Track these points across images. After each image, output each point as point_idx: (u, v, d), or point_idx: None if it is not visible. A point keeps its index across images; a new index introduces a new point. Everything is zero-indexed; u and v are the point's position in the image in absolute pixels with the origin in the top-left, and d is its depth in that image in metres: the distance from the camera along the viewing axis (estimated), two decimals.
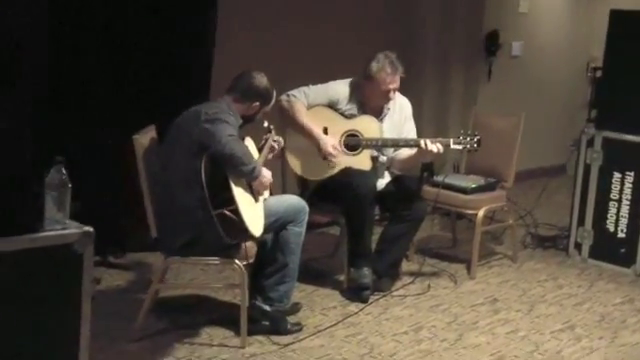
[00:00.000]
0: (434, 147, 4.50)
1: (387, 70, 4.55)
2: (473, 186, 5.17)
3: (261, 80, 4.00)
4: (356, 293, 4.61)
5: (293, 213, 4.08)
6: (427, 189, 5.21)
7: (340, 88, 4.71)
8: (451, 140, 4.64)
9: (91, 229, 2.60)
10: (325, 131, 4.65)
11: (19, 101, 2.43)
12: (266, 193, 4.05)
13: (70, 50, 4.58)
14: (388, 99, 4.66)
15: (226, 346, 3.91)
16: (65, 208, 2.61)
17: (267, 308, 4.06)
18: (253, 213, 3.83)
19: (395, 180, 4.84)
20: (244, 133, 4.03)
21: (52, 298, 2.56)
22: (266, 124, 4.24)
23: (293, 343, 3.99)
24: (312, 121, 4.62)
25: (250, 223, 3.72)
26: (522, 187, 6.71)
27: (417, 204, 4.76)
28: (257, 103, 4.00)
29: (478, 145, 4.65)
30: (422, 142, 4.52)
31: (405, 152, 4.74)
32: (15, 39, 2.36)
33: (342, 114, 4.68)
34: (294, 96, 4.62)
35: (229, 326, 4.08)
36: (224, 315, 4.22)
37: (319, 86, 4.69)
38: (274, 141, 4.28)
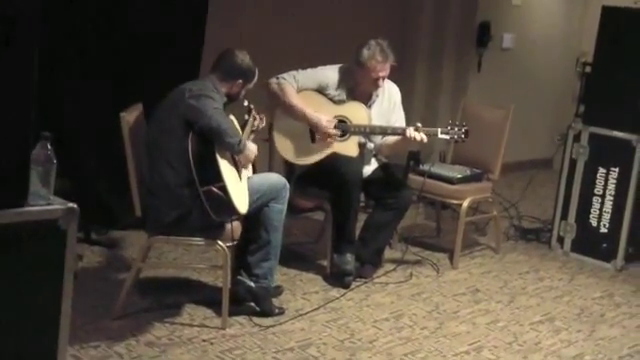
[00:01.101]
0: (418, 136, 4.51)
1: (378, 57, 4.55)
2: (459, 176, 5.19)
3: (243, 58, 4.01)
4: (338, 279, 4.62)
5: (275, 191, 4.10)
6: (413, 178, 5.23)
7: (330, 73, 4.70)
8: (439, 130, 4.65)
9: (75, 205, 2.59)
10: None
11: (17, 75, 2.42)
12: (250, 171, 4.06)
13: (62, 28, 4.57)
14: (377, 86, 4.66)
15: (207, 327, 3.93)
16: (50, 184, 2.60)
17: (252, 284, 4.08)
18: (238, 190, 3.85)
19: (381, 168, 4.85)
20: (226, 112, 4.03)
21: (34, 273, 2.56)
22: (246, 103, 4.24)
23: (274, 326, 4.01)
24: (303, 102, 4.62)
25: (237, 200, 3.74)
26: (508, 179, 6.74)
27: (402, 192, 4.78)
28: (240, 81, 4.01)
29: (466, 136, 4.66)
30: (407, 131, 4.53)
31: (392, 138, 4.74)
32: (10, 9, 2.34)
33: (331, 99, 4.68)
34: (284, 79, 4.62)
35: (211, 307, 4.09)
36: (206, 296, 4.23)
37: (309, 70, 4.69)
38: (254, 119, 4.27)
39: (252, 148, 3.96)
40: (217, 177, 3.69)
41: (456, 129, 4.65)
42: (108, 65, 4.85)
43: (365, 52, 4.56)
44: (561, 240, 5.62)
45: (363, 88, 4.69)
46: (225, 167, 3.77)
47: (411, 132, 4.52)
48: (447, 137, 4.68)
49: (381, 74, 4.59)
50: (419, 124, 4.59)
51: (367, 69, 4.57)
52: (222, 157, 3.78)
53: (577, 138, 5.49)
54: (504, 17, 7.63)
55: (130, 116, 3.90)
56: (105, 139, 4.53)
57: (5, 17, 2.34)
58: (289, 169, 4.81)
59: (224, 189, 3.68)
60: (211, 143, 3.74)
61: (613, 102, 5.33)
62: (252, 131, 4.25)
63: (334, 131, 4.60)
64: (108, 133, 4.18)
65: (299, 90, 4.64)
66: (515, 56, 7.83)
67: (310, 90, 4.67)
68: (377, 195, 4.81)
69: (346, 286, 4.58)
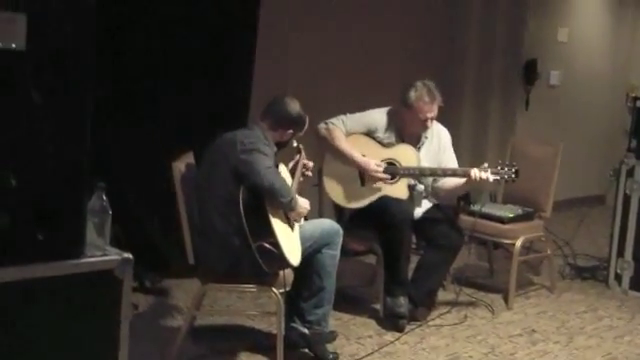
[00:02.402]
0: (484, 175, 4.48)
1: (425, 99, 4.56)
2: (510, 215, 5.14)
3: (294, 107, 4.00)
4: (392, 322, 4.58)
5: (328, 237, 4.09)
6: (464, 218, 5.19)
7: (378, 116, 4.72)
8: (489, 171, 4.60)
9: (130, 256, 2.61)
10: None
11: (73, 126, 2.46)
12: (302, 219, 4.06)
13: (109, 70, 4.66)
14: (426, 127, 4.66)
15: None
16: (105, 234, 2.64)
17: (305, 331, 4.05)
18: (290, 242, 3.84)
19: (432, 209, 4.82)
20: (277, 158, 4.04)
21: (91, 323, 2.58)
22: (295, 144, 4.23)
23: None
24: (351, 147, 4.63)
25: (289, 254, 3.73)
26: (560, 217, 6.64)
27: (454, 233, 4.74)
28: (290, 130, 4.02)
29: (516, 176, 4.60)
30: (473, 172, 4.48)
31: (451, 181, 4.70)
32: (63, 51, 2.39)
33: (380, 142, 4.69)
34: (332, 124, 4.65)
35: (265, 353, 4.07)
36: (260, 343, 4.22)
37: (357, 114, 4.71)
38: (304, 159, 4.27)
39: (304, 204, 3.95)
40: (269, 232, 3.68)
41: (506, 169, 4.60)
42: (156, 110, 4.91)
43: (412, 94, 4.57)
44: (619, 278, 5.51)
45: (411, 130, 4.69)
46: (276, 220, 3.77)
47: (476, 173, 4.48)
48: (497, 177, 4.61)
49: (429, 115, 4.59)
50: (486, 164, 4.57)
51: (415, 110, 4.57)
52: (273, 211, 3.77)
53: (630, 173, 5.42)
54: (550, 54, 7.60)
55: (181, 165, 3.94)
56: (155, 186, 4.57)
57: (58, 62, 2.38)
58: (339, 213, 4.81)
59: (276, 244, 3.68)
60: (262, 198, 3.75)
61: None
62: (303, 174, 4.26)
63: (383, 175, 4.60)
64: (158, 180, 4.22)
65: (347, 134, 4.66)
66: (563, 93, 7.79)
67: (359, 134, 4.69)
68: (428, 236, 4.78)
69: (400, 329, 4.54)
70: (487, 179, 4.49)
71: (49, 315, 2.48)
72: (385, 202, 4.60)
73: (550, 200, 5.27)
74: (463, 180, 4.58)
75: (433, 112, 4.61)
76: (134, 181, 4.90)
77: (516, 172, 4.59)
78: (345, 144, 4.63)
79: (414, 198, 4.73)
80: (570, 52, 7.86)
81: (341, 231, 4.16)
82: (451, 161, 4.79)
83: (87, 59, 2.46)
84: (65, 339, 2.52)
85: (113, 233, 2.78)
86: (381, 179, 4.60)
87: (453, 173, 4.63)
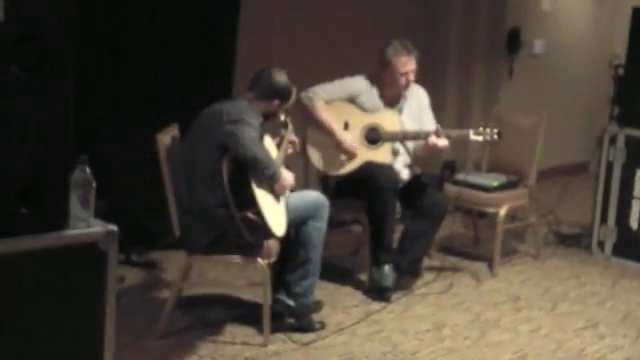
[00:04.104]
0: (439, 142, 4.53)
1: (402, 52, 4.61)
2: (495, 184, 5.16)
3: (280, 78, 4.00)
4: (377, 294, 4.61)
5: (314, 208, 4.10)
6: (448, 187, 5.21)
7: (358, 82, 4.75)
8: (471, 131, 4.66)
9: (115, 227, 2.61)
10: (346, 125, 4.68)
11: (55, 100, 2.45)
12: (287, 192, 4.06)
13: (96, 48, 4.63)
14: (407, 84, 4.67)
15: (249, 344, 3.93)
16: (89, 206, 2.63)
17: (291, 303, 4.08)
18: (275, 213, 3.85)
19: (416, 178, 4.85)
20: (263, 130, 4.04)
21: (77, 296, 2.58)
22: (282, 118, 4.23)
23: (315, 341, 4.01)
24: (332, 116, 4.66)
25: (273, 224, 3.74)
26: (544, 185, 6.68)
27: (438, 201, 4.76)
28: (277, 101, 4.01)
29: (498, 137, 4.64)
30: (430, 139, 4.55)
31: (420, 147, 4.75)
32: (39, 32, 2.37)
33: (362, 108, 4.71)
34: (314, 92, 4.66)
35: (252, 324, 4.10)
36: (247, 313, 4.24)
37: (337, 82, 4.73)
38: (292, 134, 4.27)
39: (288, 177, 3.96)
40: (252, 202, 3.69)
41: (488, 130, 4.65)
42: (140, 84, 4.89)
43: (389, 50, 4.62)
44: (601, 244, 5.56)
45: (392, 89, 4.72)
46: (261, 191, 3.78)
47: (432, 139, 4.53)
48: (479, 138, 4.66)
49: (408, 67, 4.62)
50: (438, 125, 4.63)
51: (393, 67, 4.61)
52: (258, 182, 3.78)
53: (613, 141, 5.44)
54: (534, 23, 7.60)
55: (166, 137, 3.94)
56: (141, 160, 4.56)
57: (36, 35, 2.36)
58: (325, 181, 4.83)
59: (260, 214, 3.69)
60: (246, 169, 3.76)
61: None
62: (290, 147, 4.25)
63: (353, 152, 4.64)
64: (144, 154, 4.21)
65: (330, 101, 4.68)
66: (546, 61, 7.79)
67: (341, 101, 4.70)
68: (413, 205, 4.79)
69: (386, 300, 4.57)
70: (444, 147, 4.56)
71: (33, 289, 2.48)
72: (370, 168, 4.63)
73: (534, 168, 5.30)
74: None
75: (412, 65, 4.65)
76: (119, 155, 4.88)
77: (498, 133, 4.64)
78: (326, 114, 4.65)
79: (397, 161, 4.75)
80: (554, 21, 7.85)
81: (327, 203, 4.17)
82: (429, 121, 4.82)
83: (67, 34, 2.44)
84: (50, 312, 2.53)
85: (99, 208, 2.78)
86: (353, 157, 4.63)
87: (425, 137, 4.65)
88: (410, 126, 4.71)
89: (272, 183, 3.86)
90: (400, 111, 4.75)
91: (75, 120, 2.54)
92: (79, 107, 2.66)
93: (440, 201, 4.78)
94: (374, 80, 4.74)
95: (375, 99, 4.72)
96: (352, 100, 4.72)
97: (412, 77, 4.68)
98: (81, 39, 4.36)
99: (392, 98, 4.75)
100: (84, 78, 4.47)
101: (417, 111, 4.81)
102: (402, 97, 4.77)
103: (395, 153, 4.73)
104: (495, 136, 4.64)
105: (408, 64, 4.63)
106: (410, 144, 4.79)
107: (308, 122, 4.72)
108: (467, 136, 4.66)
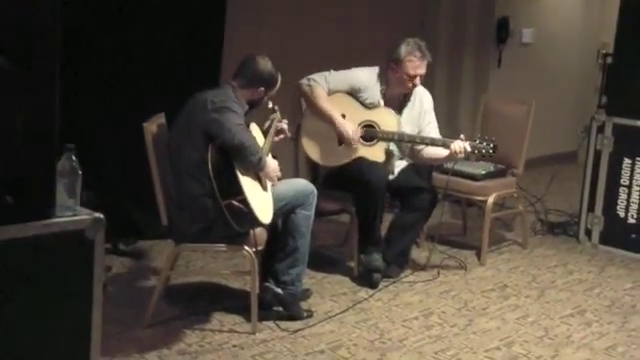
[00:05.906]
0: (466, 146, 4.46)
1: (416, 54, 4.54)
2: (483, 173, 5.17)
3: (265, 65, 3.99)
4: (366, 277, 4.62)
5: (302, 197, 4.10)
6: (437, 176, 5.21)
7: (363, 76, 4.67)
8: (467, 142, 4.55)
9: (102, 216, 2.61)
10: (343, 118, 4.64)
11: (41, 88, 2.44)
12: (275, 179, 4.06)
13: (77, 39, 4.61)
14: (412, 86, 4.63)
15: (237, 332, 3.94)
16: (76, 195, 2.63)
17: (279, 291, 4.09)
18: (262, 201, 3.85)
19: (406, 168, 4.83)
20: (250, 118, 4.04)
21: (63, 284, 2.57)
22: (270, 105, 4.21)
23: (303, 329, 4.02)
24: (331, 107, 4.60)
25: (259, 212, 3.74)
26: (532, 174, 6.70)
27: (427, 193, 4.75)
28: (262, 88, 4.00)
29: (494, 151, 4.56)
30: (454, 145, 4.46)
31: (431, 150, 4.68)
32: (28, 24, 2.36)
33: (362, 103, 4.65)
34: (314, 80, 4.59)
35: (239, 312, 4.10)
36: (234, 302, 4.25)
37: (341, 72, 4.66)
38: (279, 122, 4.27)
39: (273, 166, 3.96)
40: (237, 190, 3.69)
41: (484, 144, 4.56)
42: (126, 74, 4.87)
43: (403, 48, 4.54)
44: (589, 233, 5.58)
45: (396, 89, 4.66)
46: (247, 178, 3.78)
47: (459, 145, 4.44)
48: (475, 152, 4.56)
49: (418, 72, 4.57)
50: (462, 136, 4.55)
51: (403, 66, 4.54)
52: (243, 170, 3.78)
53: (601, 129, 5.46)
54: (523, 12, 7.60)
55: (152, 126, 3.93)
56: (128, 149, 4.55)
57: (25, 34, 2.36)
58: (314, 173, 4.81)
59: (245, 202, 3.68)
60: (232, 156, 3.75)
61: (635, 92, 5.29)
62: (277, 134, 4.24)
63: (357, 144, 4.58)
64: (131, 143, 4.20)
65: (330, 92, 4.62)
66: (535, 50, 7.80)
67: (341, 92, 4.66)
68: (403, 196, 4.79)
69: (374, 285, 4.58)
70: (466, 149, 4.48)
71: (20, 277, 2.47)
72: (361, 166, 4.58)
73: (522, 157, 5.30)
74: (445, 152, 4.54)
75: (422, 69, 4.59)
76: (106, 145, 4.87)
77: (494, 148, 4.56)
78: (326, 103, 4.59)
79: (391, 162, 4.73)
80: (543, 10, 7.86)
81: (315, 192, 4.17)
82: (431, 124, 4.77)
83: (54, 25, 2.43)
84: (37, 301, 2.53)
85: (86, 198, 2.77)
86: (355, 146, 4.59)
87: (432, 142, 4.62)
88: (407, 129, 4.67)
89: (257, 170, 3.86)
90: (400, 112, 4.71)
91: (61, 110, 2.53)
92: (66, 97, 2.66)
93: (429, 193, 4.75)
94: (379, 77, 4.66)
95: (376, 95, 4.65)
96: (353, 93, 4.66)
97: (419, 82, 4.63)
98: (66, 32, 4.39)
99: (394, 97, 4.70)
100: (70, 69, 4.51)
101: (417, 114, 4.76)
102: (405, 98, 4.73)
103: (388, 152, 4.68)
104: (491, 150, 4.54)
105: (419, 68, 4.57)
106: (407, 145, 4.74)
107: (306, 108, 4.67)
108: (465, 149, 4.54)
